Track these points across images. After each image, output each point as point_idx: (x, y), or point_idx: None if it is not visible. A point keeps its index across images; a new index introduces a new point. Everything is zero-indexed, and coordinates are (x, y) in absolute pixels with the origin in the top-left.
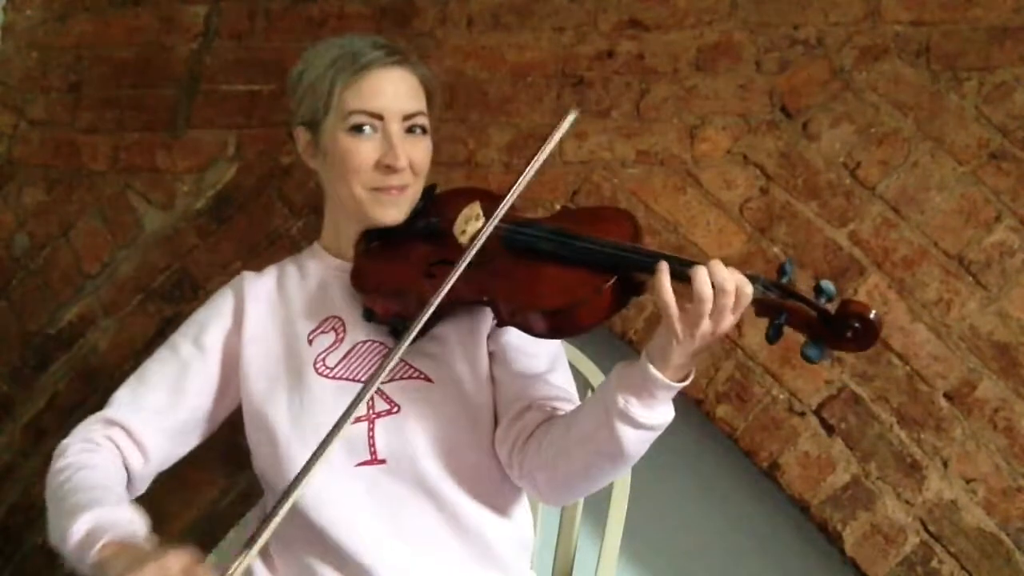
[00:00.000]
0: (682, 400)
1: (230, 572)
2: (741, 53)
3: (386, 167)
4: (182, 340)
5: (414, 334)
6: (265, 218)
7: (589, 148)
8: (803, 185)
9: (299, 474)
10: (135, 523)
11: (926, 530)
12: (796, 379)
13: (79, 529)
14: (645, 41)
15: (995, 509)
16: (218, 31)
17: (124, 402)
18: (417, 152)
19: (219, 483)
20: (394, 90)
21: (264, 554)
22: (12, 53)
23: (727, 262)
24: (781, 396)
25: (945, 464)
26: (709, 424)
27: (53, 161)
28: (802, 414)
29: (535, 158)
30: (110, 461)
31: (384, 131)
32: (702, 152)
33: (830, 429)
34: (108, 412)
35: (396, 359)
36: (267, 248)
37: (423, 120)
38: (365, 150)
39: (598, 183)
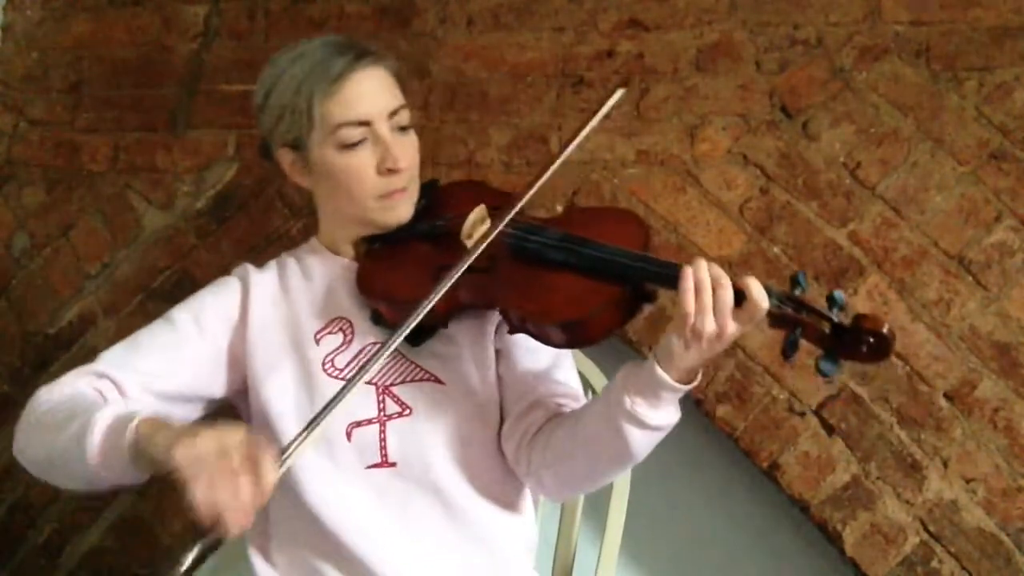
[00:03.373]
0: (682, 400)
1: (289, 450)
2: (741, 53)
3: (388, 171)
4: (180, 315)
5: (408, 330)
6: (265, 218)
7: (589, 148)
8: (803, 185)
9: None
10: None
11: (926, 530)
12: (796, 379)
13: (101, 419)
14: (645, 41)
15: (995, 509)
16: (218, 31)
17: (114, 359)
18: (410, 149)
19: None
20: (373, 91)
21: (265, 552)
22: (12, 53)
23: (727, 262)
24: (781, 396)
25: (945, 464)
26: (709, 424)
27: (53, 161)
28: (802, 414)
29: (572, 139)
30: (99, 399)
31: (374, 135)
32: (702, 152)
33: (830, 429)
34: (97, 366)
35: (392, 348)
36: (267, 248)
37: (406, 114)
38: (363, 162)
39: (598, 183)
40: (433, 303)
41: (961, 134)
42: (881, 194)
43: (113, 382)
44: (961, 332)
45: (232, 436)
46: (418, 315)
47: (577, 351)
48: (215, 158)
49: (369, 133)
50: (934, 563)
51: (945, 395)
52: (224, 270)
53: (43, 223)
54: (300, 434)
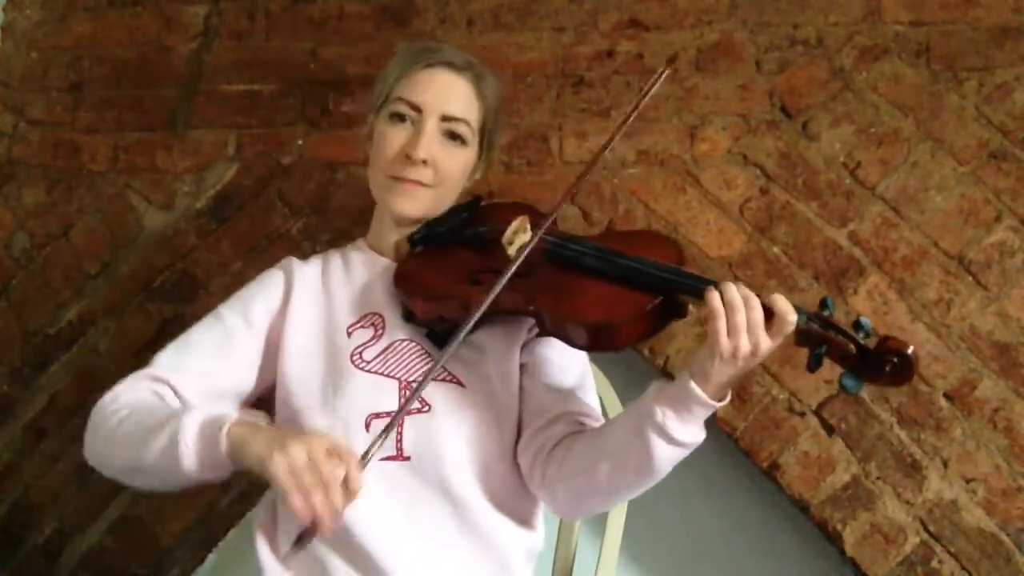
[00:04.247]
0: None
1: (371, 452)
2: (741, 53)
3: (406, 156)
4: (228, 312)
5: (461, 338)
6: (265, 218)
7: (589, 148)
8: (803, 185)
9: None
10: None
11: (926, 530)
12: (796, 379)
13: (190, 423)
14: (645, 41)
15: (995, 509)
16: (218, 31)
17: (169, 363)
18: (446, 157)
19: (219, 483)
20: (443, 90)
21: (272, 541)
22: (12, 53)
23: (727, 262)
24: (781, 396)
25: (945, 464)
26: (709, 424)
27: (53, 161)
28: (802, 414)
29: (619, 127)
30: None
31: (419, 123)
32: (702, 152)
33: (830, 429)
34: (153, 370)
35: (443, 363)
36: (267, 248)
37: (464, 129)
38: (395, 137)
39: (598, 183)
40: (487, 305)
41: (961, 134)
42: (881, 194)
43: (170, 386)
44: (961, 332)
45: (320, 445)
46: (471, 320)
47: (599, 375)
48: (215, 158)
49: (417, 119)
50: (934, 563)
51: (945, 395)
52: (224, 270)
53: (43, 223)
54: (377, 438)
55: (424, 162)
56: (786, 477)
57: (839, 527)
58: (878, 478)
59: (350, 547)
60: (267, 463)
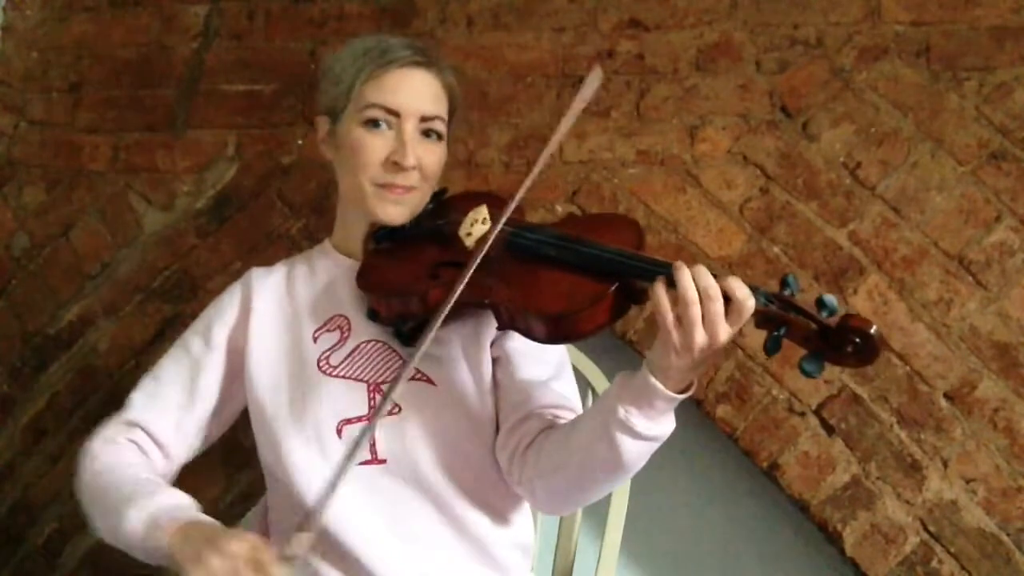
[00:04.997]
0: (682, 400)
1: (293, 549)
2: (741, 53)
3: (394, 164)
4: (193, 338)
5: (428, 342)
6: (265, 218)
7: (589, 148)
8: (803, 185)
9: (329, 486)
10: (189, 506)
11: (926, 530)
12: (796, 379)
13: (136, 518)
14: (645, 41)
15: (995, 509)
16: (218, 31)
17: (142, 404)
18: (428, 156)
19: (219, 483)
20: (415, 90)
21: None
22: (12, 53)
23: (727, 262)
24: (781, 396)
25: (945, 464)
26: (709, 424)
27: (53, 161)
28: (802, 414)
29: (551, 140)
30: (139, 458)
31: (398, 129)
32: (702, 152)
33: (830, 429)
34: (127, 415)
35: (411, 368)
36: (267, 248)
37: (440, 125)
38: (376, 145)
39: (598, 183)
40: (451, 303)
41: (961, 134)
42: (881, 194)
43: (144, 430)
44: (961, 332)
45: (239, 548)
46: (437, 321)
47: (576, 350)
48: (215, 158)
49: (395, 124)
50: (934, 563)
51: (945, 395)
52: (224, 270)
53: (43, 223)
54: (309, 532)
55: (412, 167)
56: (786, 477)
57: (839, 527)
58: (878, 478)
59: (338, 553)
60: (188, 572)
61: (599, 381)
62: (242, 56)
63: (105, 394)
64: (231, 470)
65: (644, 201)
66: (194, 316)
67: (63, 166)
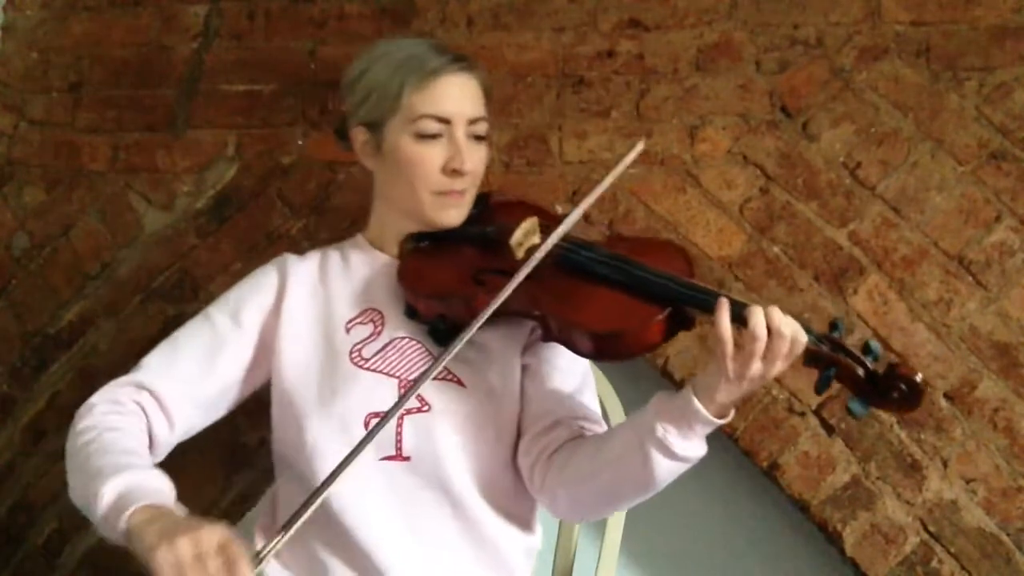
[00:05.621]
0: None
1: (266, 549)
2: (741, 53)
3: (453, 171)
4: (219, 313)
5: (464, 340)
6: (265, 218)
7: (589, 148)
8: (803, 185)
9: (335, 470)
10: (164, 490)
11: (926, 530)
12: (796, 379)
13: (107, 493)
14: (645, 41)
15: (995, 509)
16: (218, 31)
17: (155, 368)
18: (478, 158)
19: (219, 483)
20: (461, 95)
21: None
22: (12, 53)
23: (727, 262)
24: (781, 396)
25: (945, 464)
26: None
27: (53, 161)
28: (802, 414)
29: (598, 185)
30: (135, 425)
31: (450, 135)
32: (702, 152)
33: (830, 429)
34: (138, 376)
35: (443, 364)
36: (267, 248)
37: (484, 125)
38: (433, 155)
39: (598, 183)
40: (493, 308)
41: (961, 134)
42: (881, 194)
43: (153, 394)
44: (961, 332)
45: (209, 539)
46: (477, 323)
47: (597, 373)
48: (215, 158)
49: (446, 131)
50: (934, 563)
51: (945, 395)
52: (224, 270)
53: (43, 223)
54: (279, 536)
55: (470, 172)
56: (786, 477)
57: (839, 527)
58: (878, 478)
59: (349, 547)
60: (153, 556)
61: (605, 391)
62: (242, 56)
63: None
64: (231, 470)
65: (644, 201)
66: (194, 316)
67: (63, 166)
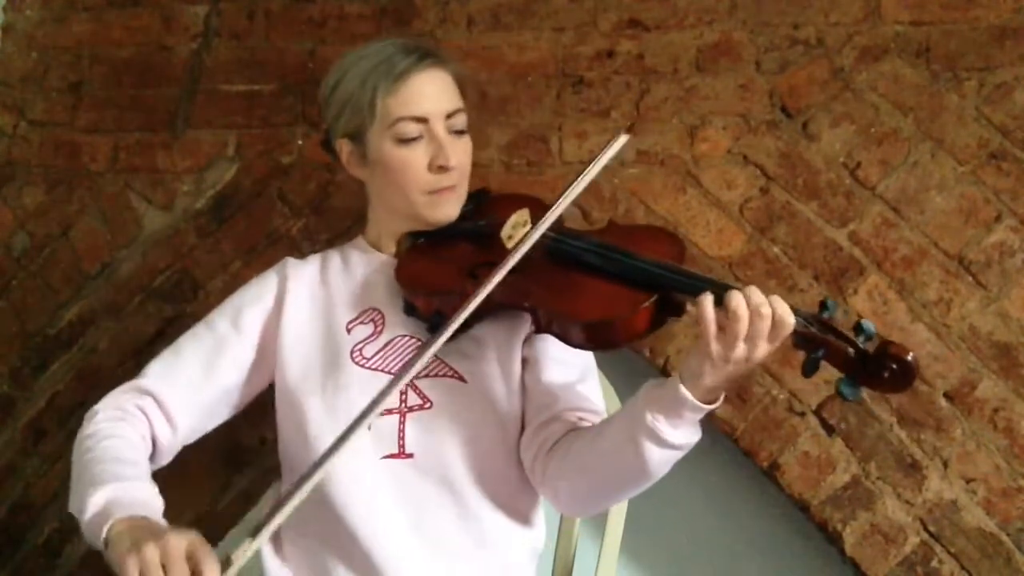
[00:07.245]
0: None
1: (236, 555)
2: (741, 53)
3: (439, 168)
4: (220, 319)
5: (449, 333)
6: (265, 218)
7: (589, 148)
8: (803, 185)
9: (317, 461)
10: (149, 503)
11: (926, 530)
12: (796, 379)
13: (95, 502)
14: (645, 41)
15: (995, 509)
16: (218, 31)
17: (158, 373)
18: (461, 151)
19: (219, 483)
20: (434, 92)
21: (274, 538)
22: (12, 53)
23: (727, 262)
24: (781, 396)
25: (945, 464)
26: (709, 424)
27: (53, 161)
28: (802, 414)
29: (583, 172)
30: (137, 432)
31: (430, 133)
32: (702, 152)
33: (830, 429)
34: (141, 381)
35: (429, 355)
36: (267, 248)
37: (462, 117)
38: (417, 156)
39: (598, 183)
40: (477, 302)
41: (961, 134)
42: (881, 194)
43: (155, 398)
44: (961, 332)
45: (177, 545)
46: (460, 316)
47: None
48: (215, 158)
49: (425, 131)
50: (934, 563)
51: (945, 395)
52: (224, 270)
53: (43, 223)
54: (254, 538)
55: (454, 167)
56: (786, 477)
57: (839, 527)
58: (878, 478)
59: (352, 550)
60: (123, 562)
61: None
62: (242, 56)
63: (105, 394)
64: (231, 470)
65: (644, 201)
66: (195, 316)
67: (63, 166)
